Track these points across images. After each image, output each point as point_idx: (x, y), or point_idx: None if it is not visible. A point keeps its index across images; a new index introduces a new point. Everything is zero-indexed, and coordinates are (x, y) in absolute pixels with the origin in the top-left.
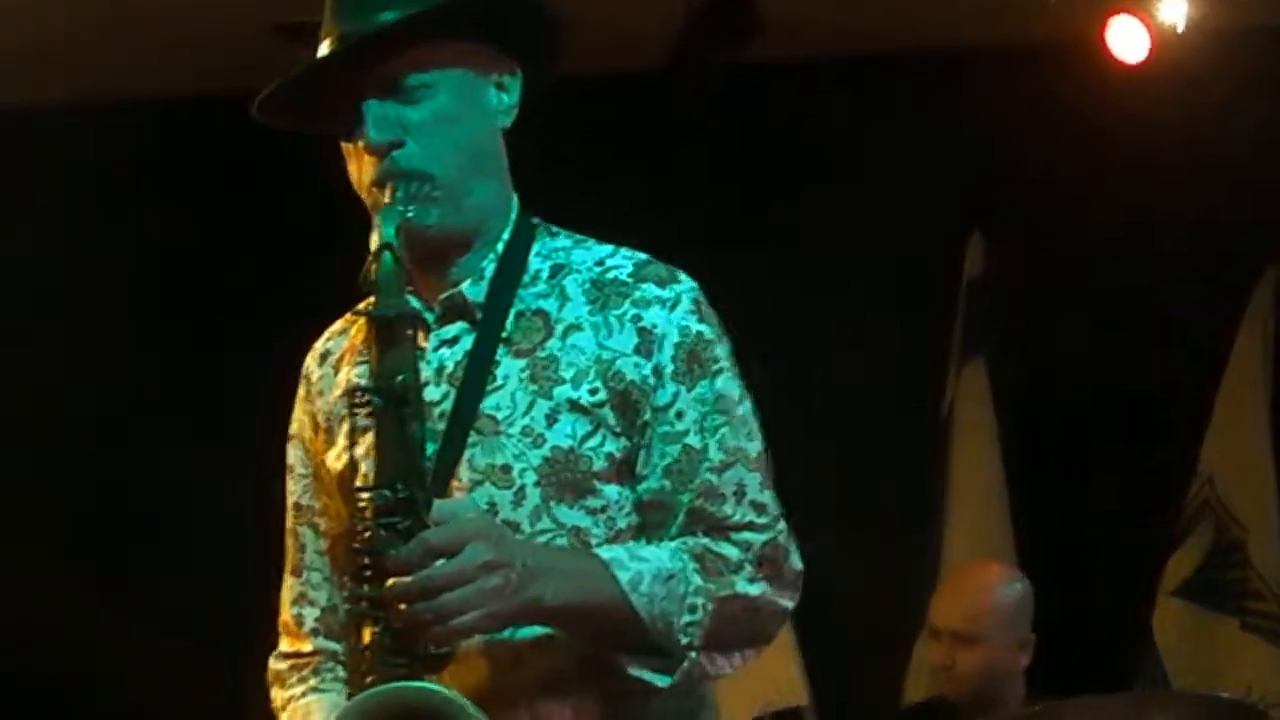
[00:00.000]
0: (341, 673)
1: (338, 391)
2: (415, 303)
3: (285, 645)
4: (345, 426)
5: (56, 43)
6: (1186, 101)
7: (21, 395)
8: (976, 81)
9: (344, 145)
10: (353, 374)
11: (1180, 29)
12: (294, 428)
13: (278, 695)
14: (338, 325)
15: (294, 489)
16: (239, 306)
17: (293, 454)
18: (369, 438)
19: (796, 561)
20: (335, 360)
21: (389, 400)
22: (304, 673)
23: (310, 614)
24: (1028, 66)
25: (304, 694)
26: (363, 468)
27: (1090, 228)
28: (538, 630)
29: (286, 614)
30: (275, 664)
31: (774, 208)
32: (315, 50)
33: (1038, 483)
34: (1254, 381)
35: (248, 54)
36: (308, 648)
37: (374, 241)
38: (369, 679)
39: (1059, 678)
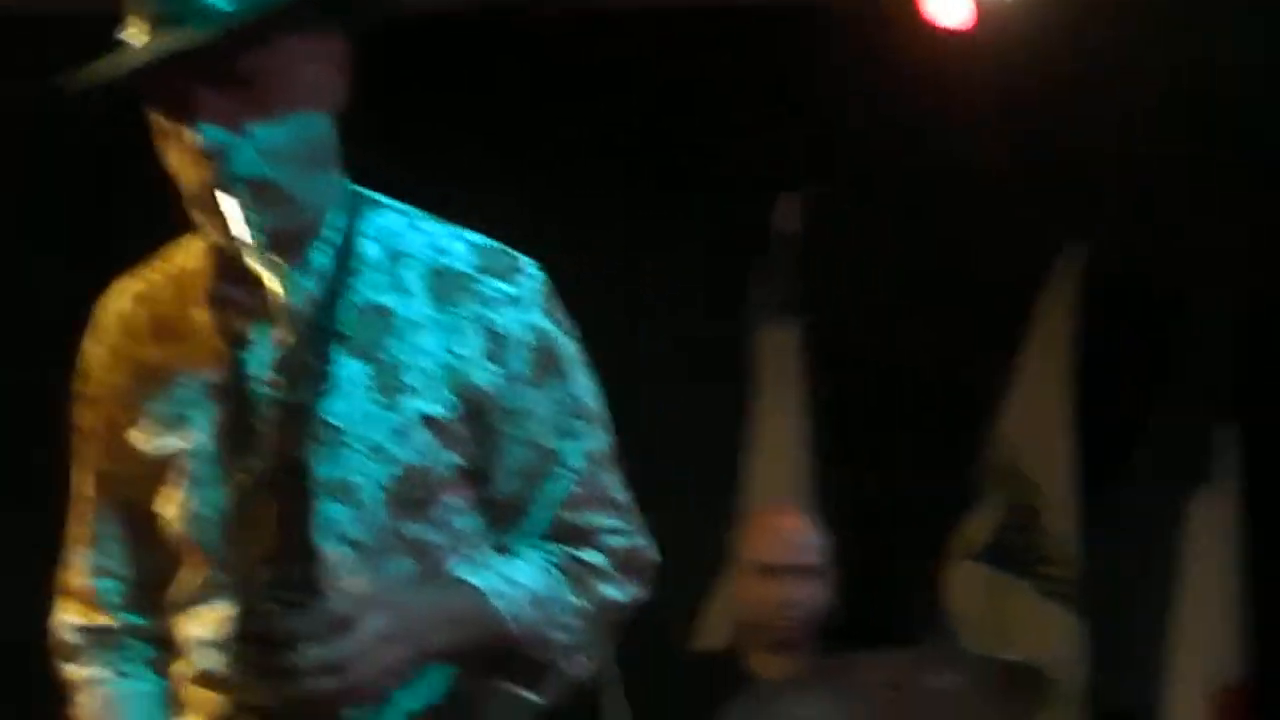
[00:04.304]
0: (148, 653)
1: (142, 371)
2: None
3: (77, 617)
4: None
5: None
6: (1003, 68)
7: None
8: (797, 38)
9: (159, 122)
10: (155, 354)
11: None
12: (90, 386)
13: (72, 671)
14: (139, 285)
15: (91, 454)
16: None
17: (89, 415)
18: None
19: (654, 555)
20: (135, 333)
21: (290, 474)
22: (106, 651)
23: (112, 587)
24: (847, 25)
25: (110, 677)
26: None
27: (905, 191)
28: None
29: (80, 582)
30: (67, 636)
31: (590, 160)
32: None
33: (842, 441)
34: (1054, 349)
35: None
36: (111, 623)
37: (271, 284)
38: None
39: (851, 634)
